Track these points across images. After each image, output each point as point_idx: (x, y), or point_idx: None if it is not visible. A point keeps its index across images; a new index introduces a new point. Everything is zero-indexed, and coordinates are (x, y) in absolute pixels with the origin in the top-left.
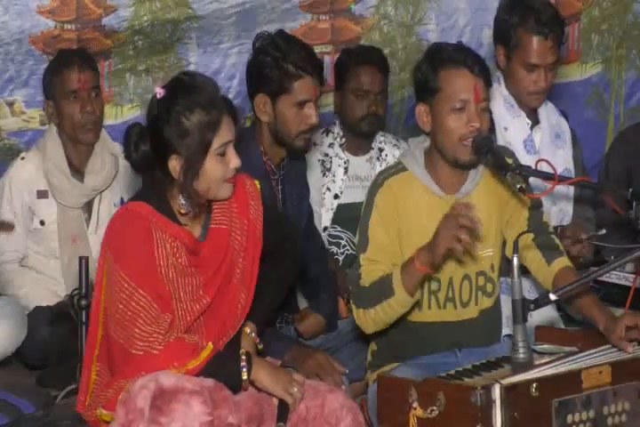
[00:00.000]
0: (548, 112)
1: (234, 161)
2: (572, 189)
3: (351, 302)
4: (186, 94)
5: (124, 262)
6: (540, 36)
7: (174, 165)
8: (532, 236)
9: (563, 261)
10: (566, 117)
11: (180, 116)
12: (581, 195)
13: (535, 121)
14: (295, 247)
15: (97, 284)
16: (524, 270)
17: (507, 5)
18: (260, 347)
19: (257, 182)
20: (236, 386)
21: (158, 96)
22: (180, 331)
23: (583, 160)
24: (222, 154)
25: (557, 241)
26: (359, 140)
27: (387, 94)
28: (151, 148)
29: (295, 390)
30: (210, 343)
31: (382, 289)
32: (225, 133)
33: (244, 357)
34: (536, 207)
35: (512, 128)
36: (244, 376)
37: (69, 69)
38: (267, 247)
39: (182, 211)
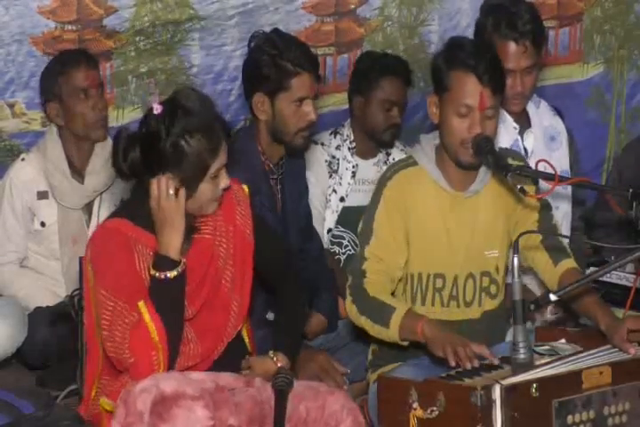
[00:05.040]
0: (540, 114)
1: (224, 181)
2: (569, 190)
3: (347, 290)
4: (185, 116)
5: (106, 281)
6: (512, 41)
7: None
8: (540, 237)
9: (569, 263)
10: (561, 116)
11: (179, 139)
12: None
13: (526, 125)
14: (299, 272)
15: (86, 302)
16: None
17: (484, 9)
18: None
19: (245, 187)
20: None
21: (155, 112)
22: None
23: (578, 161)
24: (216, 176)
25: (565, 243)
26: (369, 144)
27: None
28: (143, 160)
29: None
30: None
31: (380, 315)
32: (222, 158)
33: None
34: (546, 209)
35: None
36: None
37: (76, 68)
38: (270, 276)
39: None
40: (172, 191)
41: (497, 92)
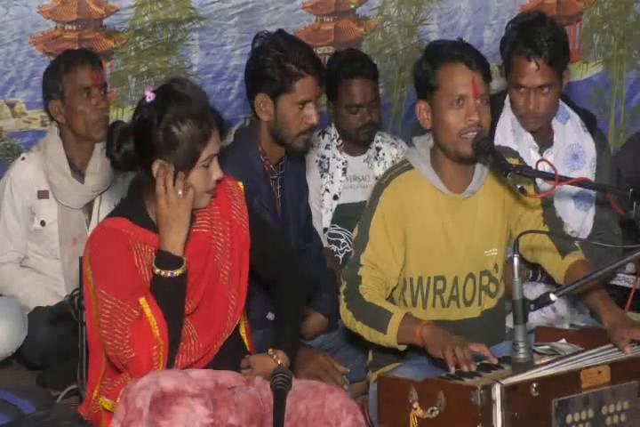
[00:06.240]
0: (565, 131)
1: (216, 173)
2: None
3: (342, 296)
4: (177, 103)
5: (105, 280)
6: (526, 57)
7: (158, 169)
8: (547, 230)
9: (576, 255)
10: (593, 123)
11: (171, 125)
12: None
13: (548, 143)
14: (298, 269)
15: (87, 302)
16: None
17: (511, 24)
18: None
19: (240, 184)
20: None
21: (148, 99)
22: None
23: (611, 166)
24: (207, 166)
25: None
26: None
27: (379, 99)
28: (136, 149)
29: None
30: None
31: (377, 320)
32: (213, 147)
33: None
34: (548, 202)
35: None
36: None
37: (82, 67)
38: (268, 273)
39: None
40: (180, 192)
41: (486, 80)
